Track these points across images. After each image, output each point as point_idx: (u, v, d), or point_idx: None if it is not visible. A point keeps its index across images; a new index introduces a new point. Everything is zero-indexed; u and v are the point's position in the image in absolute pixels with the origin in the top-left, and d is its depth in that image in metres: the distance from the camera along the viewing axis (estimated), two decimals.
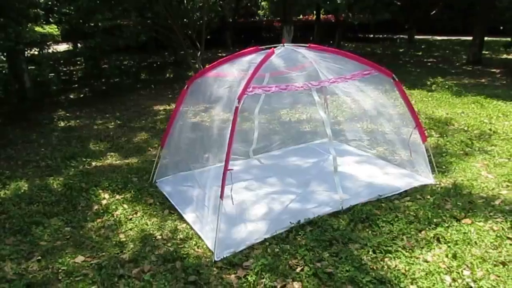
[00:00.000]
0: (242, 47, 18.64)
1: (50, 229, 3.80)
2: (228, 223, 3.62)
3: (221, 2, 12.39)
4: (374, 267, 3.05)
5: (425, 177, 4.40)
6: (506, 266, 3.02)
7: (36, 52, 8.05)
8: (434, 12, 18.64)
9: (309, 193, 4.12)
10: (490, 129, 6.06)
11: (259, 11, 28.05)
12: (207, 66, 4.41)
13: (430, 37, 21.93)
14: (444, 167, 4.80)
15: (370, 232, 3.50)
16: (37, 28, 8.67)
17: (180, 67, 13.00)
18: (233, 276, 3.04)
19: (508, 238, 3.36)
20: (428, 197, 4.08)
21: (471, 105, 7.62)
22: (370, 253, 3.22)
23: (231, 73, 3.97)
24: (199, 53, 10.14)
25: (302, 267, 3.08)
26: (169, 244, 3.49)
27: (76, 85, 11.63)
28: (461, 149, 5.34)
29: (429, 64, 13.31)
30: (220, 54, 16.34)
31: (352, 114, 5.47)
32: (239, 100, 3.34)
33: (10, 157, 5.77)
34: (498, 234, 3.40)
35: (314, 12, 19.49)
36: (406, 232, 3.48)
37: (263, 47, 4.06)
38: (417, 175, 4.47)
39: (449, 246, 3.27)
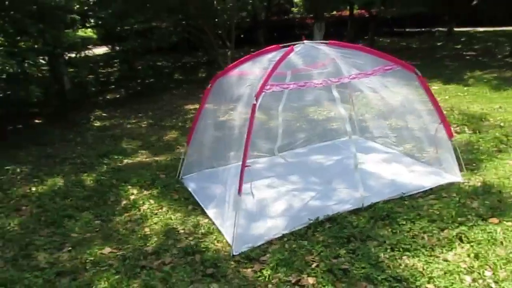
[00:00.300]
0: (274, 45, 18.75)
1: (81, 222, 4.03)
2: (248, 219, 3.70)
3: (250, 1, 12.44)
4: (391, 265, 3.02)
5: (453, 175, 4.28)
6: None
7: (74, 55, 8.45)
8: (475, 2, 17.85)
9: (330, 191, 4.12)
10: None
11: (292, 9, 27.94)
12: (229, 65, 4.50)
13: (471, 29, 20.98)
14: (474, 164, 4.65)
15: (390, 230, 3.47)
16: (79, 32, 9.14)
17: (212, 66, 13.22)
18: (249, 270, 3.12)
19: None
20: (454, 195, 3.97)
21: (511, 99, 7.28)
22: (388, 251, 3.19)
23: (253, 72, 4.04)
24: (229, 52, 10.28)
25: (318, 263, 3.11)
26: (190, 238, 3.61)
27: (113, 86, 12.12)
28: (495, 146, 5.13)
29: (468, 57, 12.78)
30: (252, 52, 16.43)
31: (378, 110, 5.38)
32: (257, 98, 3.40)
33: (49, 156, 6.13)
34: None
35: (348, 7, 19.19)
36: (428, 230, 3.41)
37: (284, 44, 4.09)
38: (445, 173, 4.35)
39: (472, 246, 3.19)
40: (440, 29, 20.71)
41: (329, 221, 3.64)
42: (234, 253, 3.29)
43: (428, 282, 2.84)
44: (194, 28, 10.14)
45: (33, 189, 4.89)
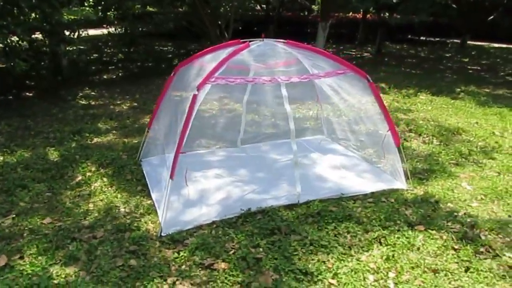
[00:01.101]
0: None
1: (33, 192, 4.25)
2: (184, 204, 3.88)
3: None
4: (303, 259, 3.17)
5: (398, 182, 4.39)
6: (436, 274, 3.03)
7: (68, 34, 8.71)
8: (492, 17, 17.61)
9: (272, 185, 4.26)
10: (496, 142, 5.82)
11: (313, 6, 27.87)
12: (194, 55, 4.66)
13: (486, 43, 20.74)
14: (426, 174, 4.74)
15: (316, 226, 3.60)
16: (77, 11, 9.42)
17: None
18: (170, 251, 3.29)
19: (453, 248, 3.33)
20: (392, 201, 4.08)
21: (491, 116, 7.30)
22: (306, 246, 3.33)
23: (210, 64, 4.19)
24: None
25: (236, 250, 3.27)
26: (128, 217, 3.80)
27: (113, 67, 12.38)
28: (454, 159, 5.21)
29: (470, 71, 12.70)
30: None
31: (343, 113, 5.48)
32: (198, 89, 3.56)
33: (27, 128, 6.39)
34: (445, 244, 3.38)
35: (361, 10, 19.12)
36: (352, 231, 3.54)
37: (244, 40, 4.22)
38: (394, 180, 4.45)
39: (388, 249, 3.31)
40: (455, 40, 20.50)
41: (261, 213, 3.79)
42: (162, 234, 3.47)
43: (332, 278, 2.98)
44: (193, 17, 10.31)
45: (4, 158, 5.14)
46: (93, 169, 4.83)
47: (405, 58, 15.00)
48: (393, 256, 3.22)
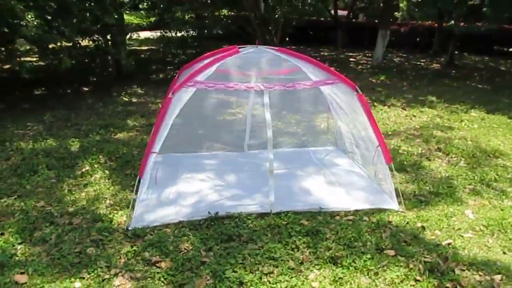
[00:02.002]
0: (351, 47, 18.25)
1: (41, 178, 4.73)
2: (160, 202, 4.06)
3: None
4: (248, 269, 3.14)
5: (394, 203, 4.13)
6: None
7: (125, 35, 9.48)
8: None
9: (253, 193, 4.23)
10: None
11: (395, 14, 26.77)
12: (196, 58, 4.84)
13: None
14: (429, 197, 4.40)
15: (277, 238, 3.54)
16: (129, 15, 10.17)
17: None
18: (127, 243, 3.47)
19: (415, 279, 3.09)
20: (374, 221, 3.86)
21: None
22: (258, 256, 3.29)
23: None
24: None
25: (186, 252, 3.35)
26: (108, 209, 4.07)
27: (172, 67, 13.07)
28: (473, 184, 4.75)
29: None
30: (309, 53, 16.37)
31: (350, 126, 5.28)
32: (174, 92, 3.71)
33: (67, 119, 7.07)
34: (408, 273, 3.14)
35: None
36: (312, 247, 3.43)
37: (241, 46, 4.28)
38: (389, 200, 4.20)
39: (341, 270, 3.16)
40: None
41: (229, 219, 3.82)
42: (129, 228, 3.67)
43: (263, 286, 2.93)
44: (243, 20, 10.55)
45: (32, 145, 5.77)
46: (101, 161, 5.23)
47: (478, 71, 13.80)
48: (342, 278, 3.07)
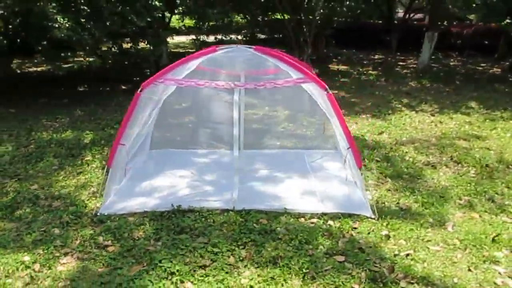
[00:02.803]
0: (406, 51, 17.47)
1: (45, 164, 5.17)
2: (133, 193, 4.26)
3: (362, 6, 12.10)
4: (187, 260, 3.20)
5: (365, 209, 3.96)
6: None
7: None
8: None
9: (224, 190, 4.27)
10: None
11: (468, 15, 25.17)
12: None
13: None
14: (413, 205, 4.15)
15: (229, 233, 3.57)
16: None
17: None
18: (89, 227, 3.71)
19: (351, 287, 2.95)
20: (337, 226, 3.74)
21: None
22: (199, 249, 3.34)
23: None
24: (308, 50, 10.44)
25: (136, 240, 3.50)
26: (90, 195, 4.35)
27: None
28: (468, 195, 4.40)
29: None
30: (341, 58, 15.88)
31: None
32: (142, 88, 3.89)
33: (93, 114, 7.61)
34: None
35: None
36: (258, 244, 3.41)
37: (221, 47, 4.35)
38: (363, 205, 4.04)
39: (276, 268, 3.11)
40: None
41: (191, 212, 3.91)
42: (97, 213, 3.91)
43: (181, 281, 2.97)
44: (277, 23, 10.59)
45: (51, 135, 6.31)
46: (104, 153, 5.58)
47: None
48: (274, 278, 3.03)
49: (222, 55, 4.18)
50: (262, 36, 14.28)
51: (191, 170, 4.81)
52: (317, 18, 10.17)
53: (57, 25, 6.96)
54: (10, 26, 7.37)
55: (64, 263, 3.23)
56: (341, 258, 3.28)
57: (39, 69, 12.33)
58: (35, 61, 12.73)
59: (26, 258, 3.25)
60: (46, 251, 3.35)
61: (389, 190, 4.56)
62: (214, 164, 5.10)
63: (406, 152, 5.67)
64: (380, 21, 19.53)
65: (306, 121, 6.19)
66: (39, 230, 3.65)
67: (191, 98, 5.74)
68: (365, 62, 14.63)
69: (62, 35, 6.83)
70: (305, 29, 10.55)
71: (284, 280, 3.02)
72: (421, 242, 3.54)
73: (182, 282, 2.98)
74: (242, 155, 5.22)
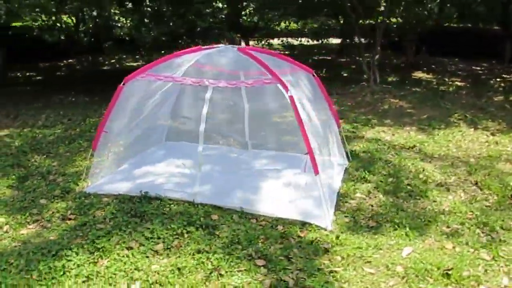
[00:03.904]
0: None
1: (74, 146, 5.97)
2: (123, 177, 4.74)
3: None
4: (117, 241, 3.51)
5: (323, 219, 3.83)
6: None
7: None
8: None
9: (194, 182, 4.46)
10: None
11: None
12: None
13: None
14: (385, 224, 3.88)
15: (173, 223, 3.77)
16: None
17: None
18: (67, 203, 4.24)
19: None
20: (281, 230, 3.69)
21: None
22: (137, 234, 3.61)
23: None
24: (376, 56, 10.00)
25: (95, 217, 3.92)
26: (82, 176, 4.92)
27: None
28: (462, 225, 3.93)
29: None
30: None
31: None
32: (125, 82, 4.30)
33: None
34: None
35: None
36: (192, 237, 3.57)
37: (206, 47, 4.59)
38: (326, 214, 3.90)
39: (194, 260, 3.24)
40: None
41: (155, 200, 4.21)
42: (85, 191, 4.45)
43: (107, 257, 3.27)
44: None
45: (94, 121, 7.17)
46: None
47: None
48: (182, 268, 3.17)
49: (207, 54, 4.42)
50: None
51: (182, 162, 5.11)
52: (387, 21, 9.65)
53: (119, 25, 7.86)
54: (83, 27, 8.57)
55: (29, 228, 3.80)
56: (262, 262, 3.26)
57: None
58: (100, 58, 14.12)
59: (1, 219, 3.89)
60: (21, 217, 3.96)
61: (372, 205, 4.29)
62: (214, 160, 5.32)
63: (423, 170, 5.19)
64: (496, 27, 17.59)
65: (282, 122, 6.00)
66: (30, 199, 4.31)
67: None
68: (459, 73, 13.33)
69: (122, 33, 7.70)
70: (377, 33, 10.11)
71: (190, 272, 3.13)
72: (360, 262, 3.31)
73: (101, 258, 3.30)
74: (252, 154, 5.35)
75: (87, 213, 4.00)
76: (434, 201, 4.42)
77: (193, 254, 3.35)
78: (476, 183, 4.86)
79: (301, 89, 4.56)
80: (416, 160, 5.53)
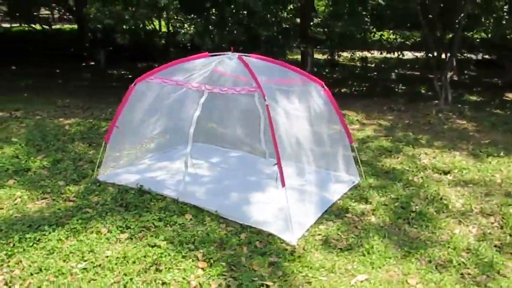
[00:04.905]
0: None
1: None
2: (137, 169, 5.20)
3: None
4: (97, 224, 3.88)
5: (289, 233, 3.76)
6: None
7: None
8: None
9: (194, 184, 4.70)
10: None
11: None
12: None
13: None
14: (360, 249, 3.66)
15: (150, 216, 4.03)
16: None
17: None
18: (79, 187, 4.77)
19: None
20: (242, 238, 3.71)
21: None
22: (118, 222, 3.94)
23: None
24: (449, 74, 9.14)
25: (89, 202, 4.37)
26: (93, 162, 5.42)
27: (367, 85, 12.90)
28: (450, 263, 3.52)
29: None
30: None
31: None
32: (135, 83, 4.69)
33: None
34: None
35: None
36: (160, 232, 3.78)
37: (212, 54, 4.73)
38: (295, 229, 3.82)
39: (147, 252, 3.46)
40: None
41: (147, 194, 4.52)
42: (97, 178, 4.96)
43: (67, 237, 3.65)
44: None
45: None
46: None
47: None
48: (130, 256, 3.39)
49: (212, 60, 4.61)
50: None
51: (198, 164, 5.35)
52: (469, 35, 8.78)
53: (183, 31, 8.48)
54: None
55: (35, 204, 4.39)
56: (202, 265, 3.35)
57: None
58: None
59: (19, 193, 4.55)
60: (35, 193, 4.58)
61: (356, 227, 4.05)
62: (228, 165, 5.49)
63: (444, 196, 4.69)
64: None
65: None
66: (52, 179, 4.94)
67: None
68: None
69: (183, 39, 8.30)
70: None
71: (133, 262, 3.34)
72: (299, 281, 3.19)
73: (70, 237, 3.69)
74: (268, 162, 5.38)
75: (85, 198, 4.47)
76: (433, 232, 4.00)
77: (146, 247, 3.55)
78: (503, 218, 4.27)
79: (304, 99, 4.53)
80: (443, 185, 5.02)
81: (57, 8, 15.83)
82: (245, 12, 8.98)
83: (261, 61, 4.51)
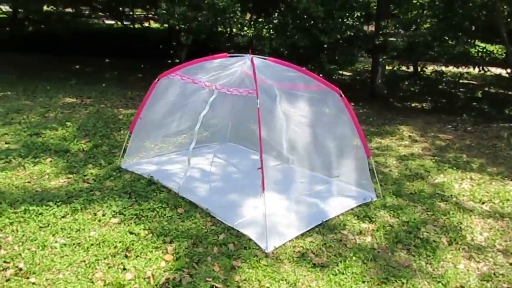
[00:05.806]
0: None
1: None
2: (157, 158, 5.51)
3: None
4: (99, 206, 4.20)
5: (263, 241, 3.69)
6: None
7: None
8: None
9: (201, 182, 4.85)
10: None
11: None
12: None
13: None
14: (338, 266, 3.48)
15: (143, 204, 4.24)
16: None
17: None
18: (102, 171, 5.17)
19: None
20: (221, 238, 3.73)
21: None
22: (109, 203, 4.23)
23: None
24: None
25: (102, 185, 4.72)
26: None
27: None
28: None
29: None
30: None
31: None
32: (159, 78, 4.94)
33: None
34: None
35: None
36: (150, 221, 3.96)
37: (231, 54, 4.79)
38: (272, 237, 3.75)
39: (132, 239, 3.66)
40: None
41: (154, 184, 4.74)
42: (121, 165, 5.34)
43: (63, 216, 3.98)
44: None
45: None
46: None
47: None
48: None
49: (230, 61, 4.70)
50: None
51: (219, 162, 5.48)
52: None
53: (242, 34, 8.70)
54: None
55: (58, 181, 4.85)
56: (169, 258, 3.46)
57: None
58: None
59: (49, 170, 5.07)
60: (63, 172, 5.07)
61: (346, 244, 3.83)
62: (242, 165, 5.53)
63: (464, 228, 4.22)
64: None
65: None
66: (84, 162, 5.42)
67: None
68: None
69: (240, 42, 8.51)
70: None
71: (107, 246, 3.55)
72: (252, 286, 3.12)
73: (66, 215, 4.03)
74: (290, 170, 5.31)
75: (101, 182, 4.84)
76: (430, 263, 3.63)
77: (127, 233, 3.75)
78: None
79: (315, 106, 4.42)
80: (471, 215, 4.51)
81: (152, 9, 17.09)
82: (306, 17, 8.88)
83: (275, 64, 4.47)
